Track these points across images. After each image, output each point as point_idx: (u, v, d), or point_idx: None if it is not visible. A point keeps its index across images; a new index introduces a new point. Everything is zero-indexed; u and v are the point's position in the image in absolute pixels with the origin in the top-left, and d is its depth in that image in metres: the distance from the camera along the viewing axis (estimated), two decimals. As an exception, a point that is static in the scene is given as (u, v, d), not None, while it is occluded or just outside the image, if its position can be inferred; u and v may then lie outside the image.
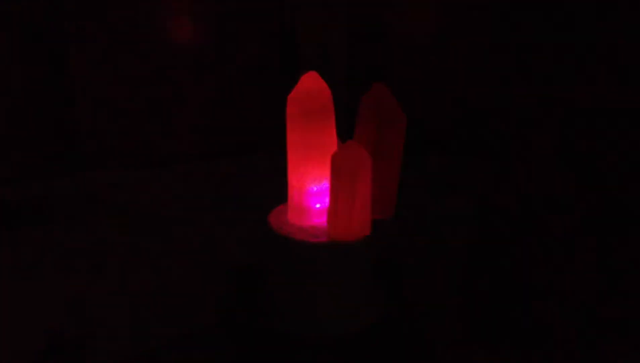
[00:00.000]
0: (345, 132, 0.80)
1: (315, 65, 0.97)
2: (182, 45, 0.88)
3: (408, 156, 0.65)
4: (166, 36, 0.87)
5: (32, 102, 0.81)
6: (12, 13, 0.77)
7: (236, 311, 0.64)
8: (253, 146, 0.96)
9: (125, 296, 0.71)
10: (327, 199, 0.61)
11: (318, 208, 0.62)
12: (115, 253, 0.79)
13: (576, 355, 0.60)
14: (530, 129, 0.83)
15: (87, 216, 0.86)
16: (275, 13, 0.92)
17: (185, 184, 0.92)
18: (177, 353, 0.59)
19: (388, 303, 0.65)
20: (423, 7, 0.92)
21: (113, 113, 0.87)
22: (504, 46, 0.89)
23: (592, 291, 0.67)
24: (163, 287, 0.72)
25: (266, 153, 0.96)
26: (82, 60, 0.82)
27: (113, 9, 0.82)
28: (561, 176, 0.78)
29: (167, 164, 0.92)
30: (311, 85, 0.60)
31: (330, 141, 0.62)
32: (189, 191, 0.92)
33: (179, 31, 0.87)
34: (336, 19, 0.95)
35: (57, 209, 0.85)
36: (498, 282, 0.67)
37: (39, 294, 0.70)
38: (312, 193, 0.62)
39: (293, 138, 0.61)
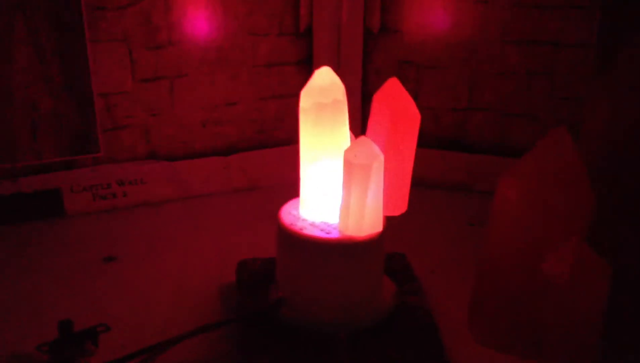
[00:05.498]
0: (358, 128, 0.80)
1: (329, 60, 0.96)
2: (196, 38, 0.88)
3: (421, 151, 0.65)
4: (181, 29, 0.87)
5: (45, 92, 0.81)
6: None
7: (246, 307, 0.64)
8: (266, 141, 0.96)
9: (134, 289, 0.71)
10: (339, 195, 0.61)
11: (330, 204, 0.62)
12: (126, 246, 0.79)
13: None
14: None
15: (98, 209, 0.87)
16: (291, 8, 0.92)
17: (197, 177, 0.93)
18: (185, 347, 0.59)
19: (399, 299, 0.65)
20: (437, 2, 0.91)
21: (127, 106, 0.87)
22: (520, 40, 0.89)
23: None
24: (171, 280, 0.73)
25: (279, 148, 0.96)
26: (98, 52, 0.83)
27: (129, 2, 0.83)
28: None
29: (179, 157, 0.92)
30: (324, 80, 0.60)
31: (343, 137, 0.61)
32: (200, 183, 0.92)
33: (193, 25, 0.87)
34: (352, 14, 0.94)
35: (69, 203, 0.86)
36: (512, 278, 0.66)
37: (49, 286, 0.71)
38: (324, 188, 0.62)
39: (306, 132, 0.61)
